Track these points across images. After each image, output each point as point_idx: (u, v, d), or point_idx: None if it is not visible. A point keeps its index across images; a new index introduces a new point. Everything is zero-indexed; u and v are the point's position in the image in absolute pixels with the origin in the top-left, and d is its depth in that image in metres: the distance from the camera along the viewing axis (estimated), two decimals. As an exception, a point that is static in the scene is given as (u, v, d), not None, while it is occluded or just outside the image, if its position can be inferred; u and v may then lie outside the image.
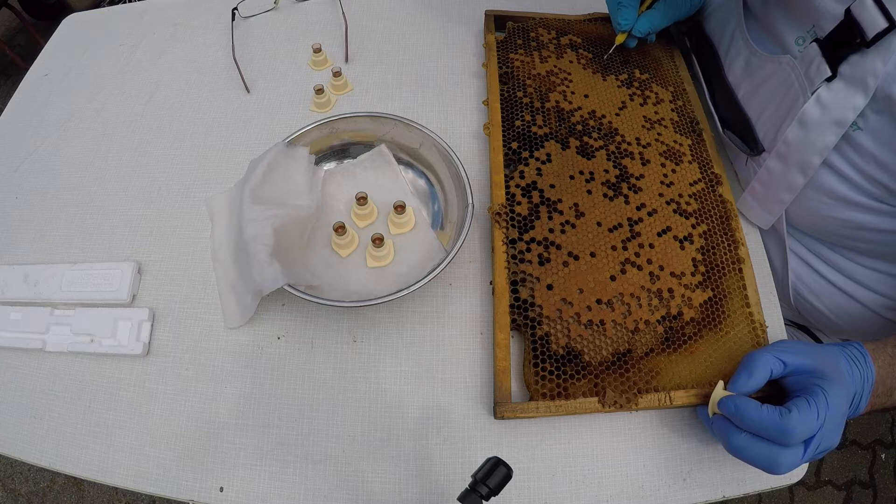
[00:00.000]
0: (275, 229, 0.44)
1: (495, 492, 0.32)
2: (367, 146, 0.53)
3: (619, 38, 0.56)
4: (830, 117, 0.40)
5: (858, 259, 0.49)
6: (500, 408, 0.40)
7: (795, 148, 0.43)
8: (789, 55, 0.43)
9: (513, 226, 0.47)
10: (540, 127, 0.53)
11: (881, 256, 0.47)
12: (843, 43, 0.38)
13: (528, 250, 0.46)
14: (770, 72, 0.46)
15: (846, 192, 0.42)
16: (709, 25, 0.56)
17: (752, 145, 0.48)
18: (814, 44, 0.40)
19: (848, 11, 0.37)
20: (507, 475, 0.33)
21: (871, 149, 0.39)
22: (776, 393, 0.39)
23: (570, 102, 0.55)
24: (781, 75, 0.44)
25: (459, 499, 0.32)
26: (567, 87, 0.56)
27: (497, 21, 0.63)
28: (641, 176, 0.51)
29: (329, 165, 0.53)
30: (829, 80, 0.40)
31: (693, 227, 0.49)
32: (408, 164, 0.53)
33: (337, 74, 0.58)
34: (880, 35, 0.35)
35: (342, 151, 0.54)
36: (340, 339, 0.46)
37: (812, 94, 0.41)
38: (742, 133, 0.49)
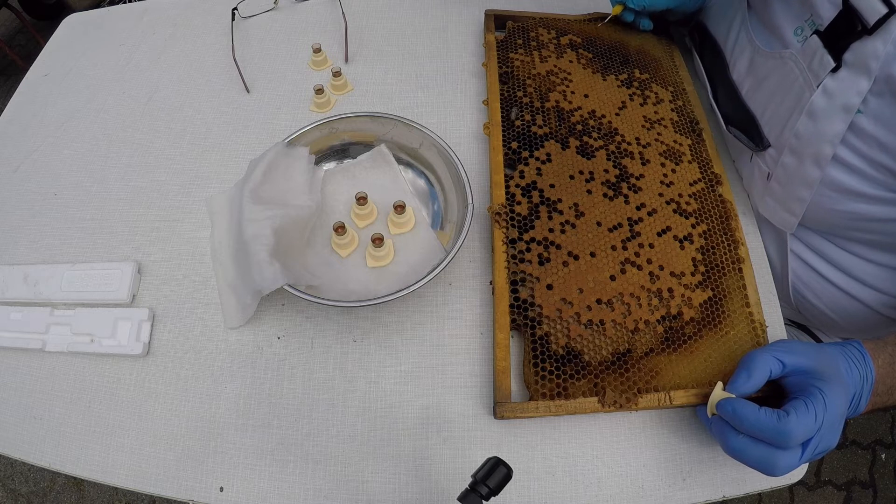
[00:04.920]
0: (275, 229, 0.44)
1: (495, 492, 0.32)
2: (367, 146, 0.53)
3: (616, 10, 0.58)
4: (837, 104, 0.40)
5: (861, 253, 0.49)
6: (500, 408, 0.40)
7: (807, 140, 0.43)
8: (791, 50, 0.43)
9: (513, 226, 0.47)
10: (540, 127, 0.53)
11: (886, 247, 0.47)
12: (845, 32, 0.38)
13: (528, 250, 0.46)
14: (772, 67, 0.46)
15: (852, 182, 0.42)
16: (712, 24, 0.56)
17: (758, 140, 0.48)
18: (814, 36, 0.40)
19: (846, 0, 0.37)
20: (507, 475, 0.33)
21: (873, 131, 0.39)
22: (776, 392, 0.39)
23: (570, 102, 0.55)
24: (784, 70, 0.44)
25: (459, 499, 0.32)
26: (567, 86, 0.56)
27: (497, 21, 0.63)
28: (641, 176, 0.51)
29: (329, 165, 0.53)
30: (833, 70, 0.40)
31: (693, 226, 0.49)
32: (408, 164, 0.53)
33: (337, 74, 0.58)
34: (881, 21, 0.35)
35: (342, 151, 0.54)
36: (340, 339, 0.46)
37: (818, 86, 0.41)
38: (746, 129, 0.49)
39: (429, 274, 0.43)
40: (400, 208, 0.47)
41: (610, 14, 0.59)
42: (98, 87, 0.63)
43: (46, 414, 0.44)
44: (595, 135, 0.53)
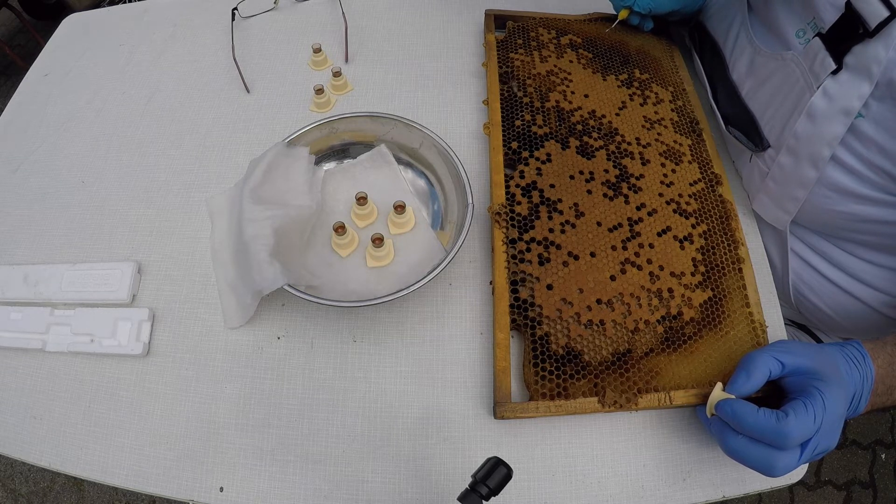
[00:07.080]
0: (275, 229, 0.44)
1: (495, 492, 0.32)
2: (367, 146, 0.53)
3: (623, 14, 0.58)
4: (837, 107, 0.40)
5: (860, 253, 0.49)
6: (500, 408, 0.40)
7: (805, 141, 0.43)
8: (792, 52, 0.43)
9: (513, 226, 0.47)
10: (540, 127, 0.53)
11: (884, 249, 0.47)
12: (847, 35, 0.38)
13: (528, 250, 0.46)
14: (773, 68, 0.46)
15: (851, 184, 0.42)
16: (712, 24, 0.57)
17: (757, 141, 0.48)
18: (816, 38, 0.40)
19: (848, 4, 0.37)
20: (507, 475, 0.33)
21: (874, 135, 0.39)
22: (775, 393, 0.39)
23: (570, 102, 0.55)
24: (785, 71, 0.44)
25: (459, 499, 0.32)
26: (567, 86, 0.56)
27: (497, 21, 0.63)
28: (641, 176, 0.51)
29: (329, 165, 0.53)
30: (834, 72, 0.40)
31: (693, 226, 0.49)
32: (408, 164, 0.53)
33: (337, 74, 0.58)
34: (883, 24, 0.35)
35: (342, 151, 0.54)
36: (340, 339, 0.46)
37: (818, 88, 0.41)
38: (746, 129, 0.49)
39: (429, 274, 0.43)
40: (400, 208, 0.47)
41: (616, 20, 0.59)
42: (98, 87, 0.63)
43: (46, 414, 0.44)
44: (595, 135, 0.53)
